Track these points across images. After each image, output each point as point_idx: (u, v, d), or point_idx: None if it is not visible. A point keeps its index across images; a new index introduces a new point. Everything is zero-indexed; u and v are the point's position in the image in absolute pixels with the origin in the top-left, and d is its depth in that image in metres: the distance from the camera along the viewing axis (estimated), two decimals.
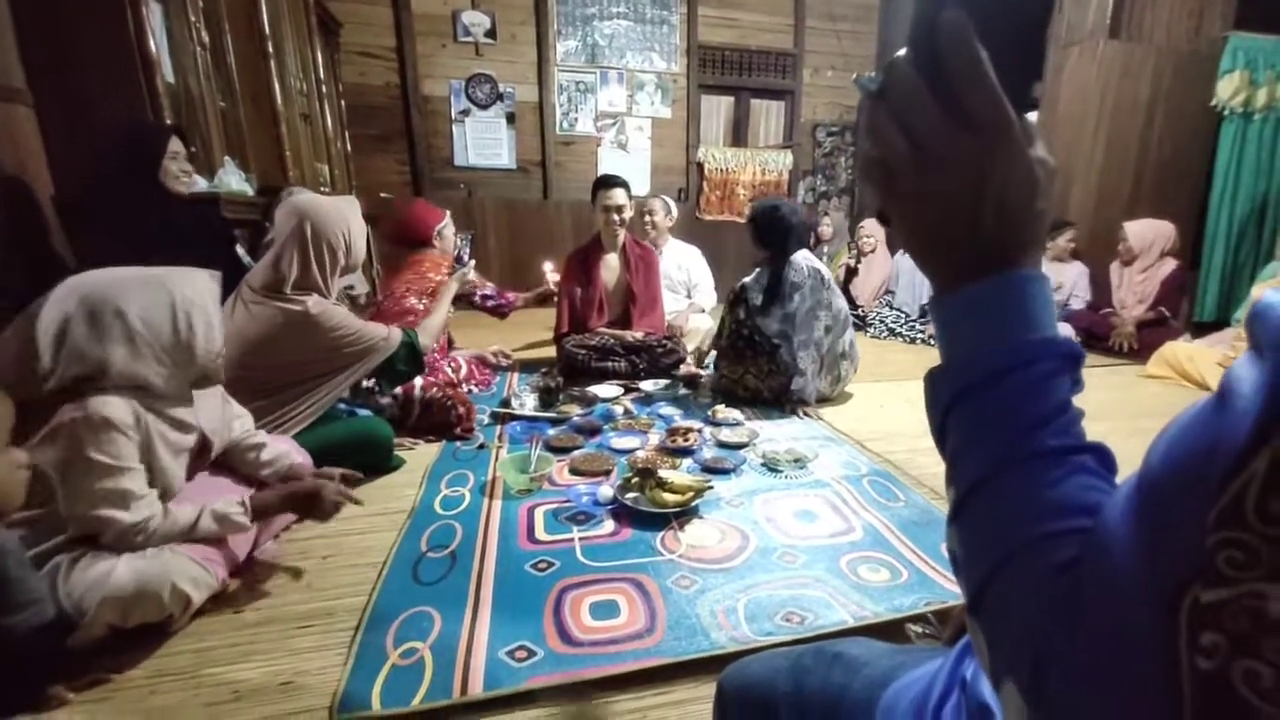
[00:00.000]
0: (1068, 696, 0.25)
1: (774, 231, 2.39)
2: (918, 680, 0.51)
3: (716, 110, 5.36)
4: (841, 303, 2.43)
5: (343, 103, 4.33)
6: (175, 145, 2.00)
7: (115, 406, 1.03)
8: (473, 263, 2.41)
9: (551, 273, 2.93)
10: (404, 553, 1.38)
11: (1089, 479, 0.31)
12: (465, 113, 4.77)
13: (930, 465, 1.85)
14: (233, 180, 2.44)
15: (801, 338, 2.31)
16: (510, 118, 4.85)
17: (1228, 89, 3.77)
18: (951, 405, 0.35)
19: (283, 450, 1.40)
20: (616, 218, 2.77)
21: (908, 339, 3.77)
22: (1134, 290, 3.27)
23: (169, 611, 1.06)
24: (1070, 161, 3.81)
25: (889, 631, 1.11)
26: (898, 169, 0.34)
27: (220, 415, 1.30)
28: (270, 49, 2.96)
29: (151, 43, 2.09)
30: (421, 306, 2.23)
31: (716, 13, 5.07)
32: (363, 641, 1.09)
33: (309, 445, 1.55)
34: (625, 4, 4.88)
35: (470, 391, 2.57)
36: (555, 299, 2.91)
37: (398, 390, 2.00)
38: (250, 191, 2.54)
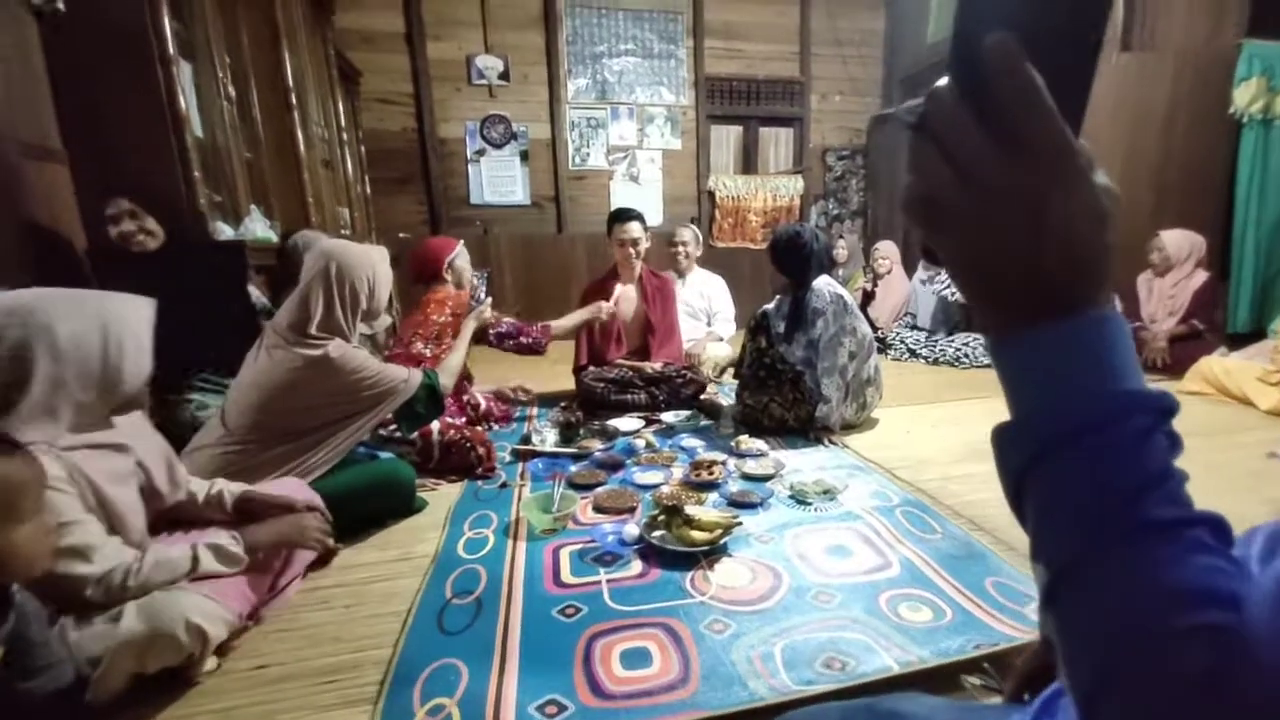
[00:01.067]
0: None
1: (795, 258, 2.38)
2: None
3: (726, 139, 5.42)
4: (865, 329, 2.40)
5: (363, 148, 4.46)
6: (114, 208, 1.98)
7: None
8: (489, 300, 2.39)
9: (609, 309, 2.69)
10: (429, 600, 1.35)
11: (1210, 559, 0.27)
12: (480, 153, 4.88)
13: (965, 493, 1.78)
14: (258, 228, 2.50)
15: (825, 364, 2.28)
16: (524, 155, 4.95)
17: (1245, 96, 3.72)
18: (1027, 468, 0.31)
19: (218, 484, 1.35)
20: (633, 250, 2.79)
21: (929, 359, 3.71)
22: (1164, 303, 3.19)
23: (188, 651, 1.04)
24: None
25: (939, 679, 1.05)
26: (944, 203, 0.31)
27: (163, 462, 1.24)
28: (294, 100, 3.06)
29: (181, 100, 2.16)
30: (429, 353, 2.17)
31: (723, 44, 5.17)
32: (388, 699, 1.05)
33: (329, 490, 1.54)
34: (633, 41, 5.00)
35: (490, 429, 2.57)
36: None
37: (414, 435, 1.99)
38: (274, 238, 2.60)
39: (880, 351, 3.80)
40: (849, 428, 2.42)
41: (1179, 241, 3.19)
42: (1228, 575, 0.26)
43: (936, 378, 3.35)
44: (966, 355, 3.58)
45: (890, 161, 5.30)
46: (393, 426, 1.91)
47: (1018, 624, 1.17)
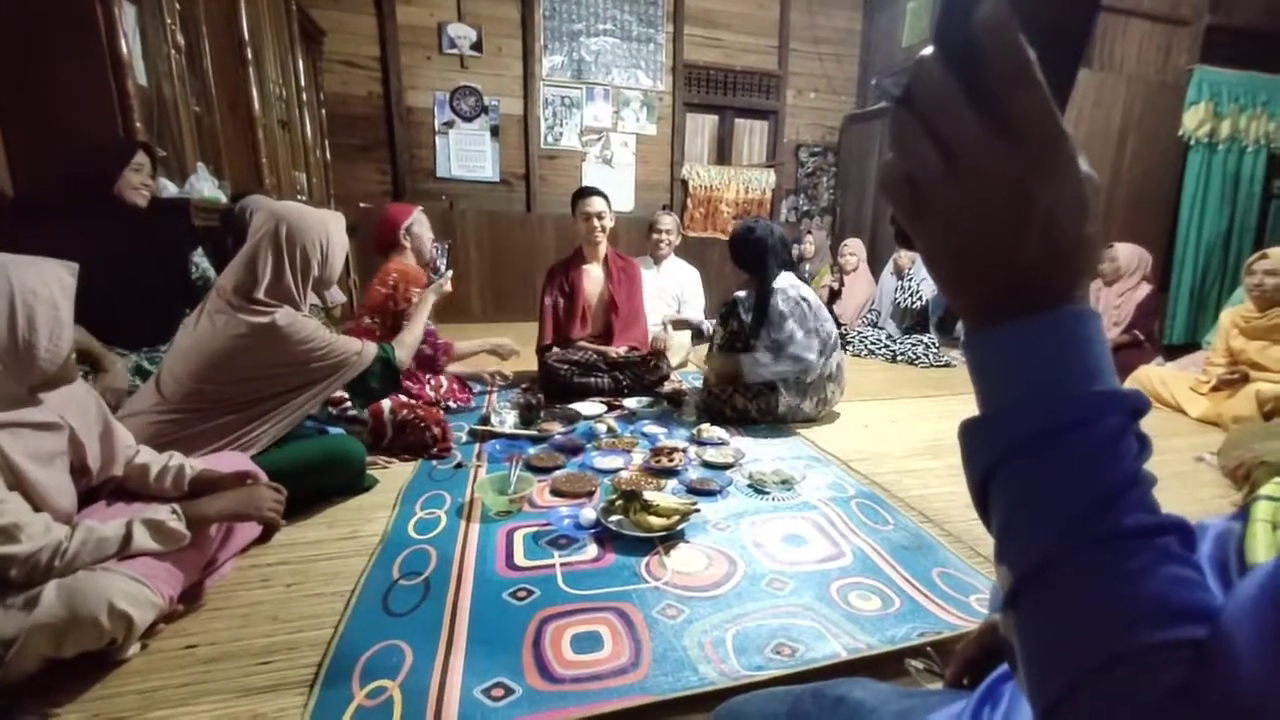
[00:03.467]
0: None
1: (752, 253, 2.37)
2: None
3: (701, 128, 5.39)
4: (831, 327, 2.42)
5: (324, 111, 4.26)
6: (140, 158, 1.94)
7: None
8: (449, 273, 2.28)
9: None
10: (374, 580, 1.30)
11: (1181, 569, 0.26)
12: (449, 124, 4.73)
13: (917, 487, 1.83)
14: (205, 187, 2.36)
15: (783, 351, 2.32)
16: (494, 130, 4.82)
17: (1193, 120, 3.91)
18: (995, 466, 0.30)
19: (176, 458, 1.27)
20: (597, 224, 2.75)
21: (886, 357, 3.79)
22: (1110, 313, 3.33)
23: (110, 636, 0.98)
24: None
25: (885, 665, 1.07)
26: (926, 184, 0.29)
27: (94, 430, 1.15)
28: (249, 55, 2.89)
29: (123, 44, 2.02)
30: (375, 325, 2.15)
31: (703, 32, 5.12)
32: (326, 680, 1.01)
33: (275, 464, 1.47)
34: (612, 21, 4.91)
35: (448, 408, 2.50)
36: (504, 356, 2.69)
37: (365, 414, 1.92)
38: (223, 199, 2.46)
39: (842, 348, 3.87)
40: (809, 421, 2.45)
41: (1130, 254, 3.33)
42: (1198, 587, 0.26)
43: (894, 375, 3.42)
44: (924, 355, 3.68)
45: (861, 162, 5.36)
46: (345, 404, 1.84)
47: (961, 613, 1.21)
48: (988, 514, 0.31)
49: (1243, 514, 0.45)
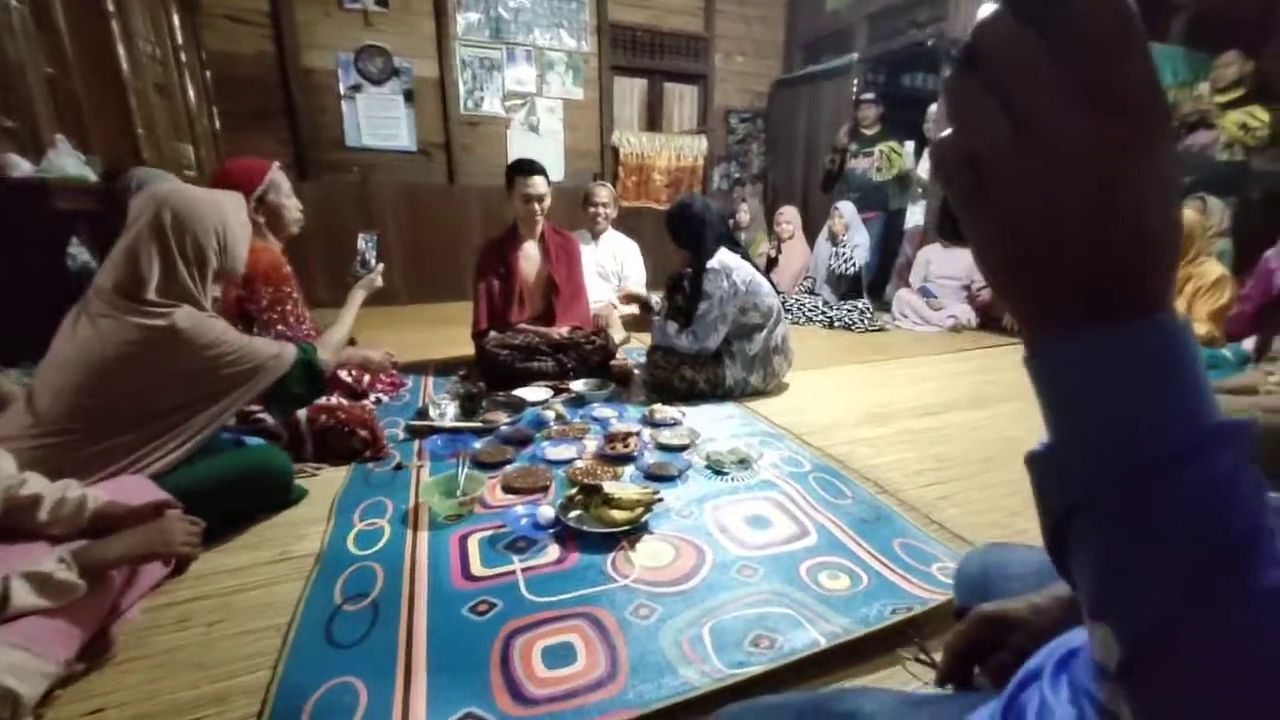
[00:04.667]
0: None
1: (686, 228, 2.33)
2: None
3: (630, 93, 5.22)
4: (772, 301, 2.40)
5: (207, 74, 3.79)
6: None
7: None
8: (380, 267, 2.06)
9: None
10: (314, 608, 1.18)
11: None
12: (356, 88, 4.33)
13: (869, 456, 1.86)
14: (68, 164, 2.03)
15: (696, 330, 2.31)
16: (408, 95, 4.46)
17: None
18: (1080, 507, 0.25)
19: (74, 491, 1.09)
20: (537, 207, 2.59)
21: (824, 323, 3.87)
22: None
23: None
24: None
25: (864, 648, 1.07)
26: (991, 162, 0.25)
27: None
28: (110, 6, 2.49)
29: None
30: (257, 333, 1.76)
31: None
32: None
33: (185, 485, 1.30)
34: None
35: (378, 401, 2.32)
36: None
37: (277, 425, 1.72)
38: (92, 176, 2.13)
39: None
40: (757, 394, 2.45)
41: None
42: None
43: (833, 341, 3.50)
44: (859, 320, 3.77)
45: (789, 127, 5.38)
46: (253, 412, 1.64)
47: (926, 584, 1.23)
48: (1064, 559, 0.27)
49: None
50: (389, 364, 2.08)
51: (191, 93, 3.44)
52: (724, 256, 2.32)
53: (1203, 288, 2.62)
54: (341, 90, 4.30)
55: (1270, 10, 4.58)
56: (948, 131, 0.27)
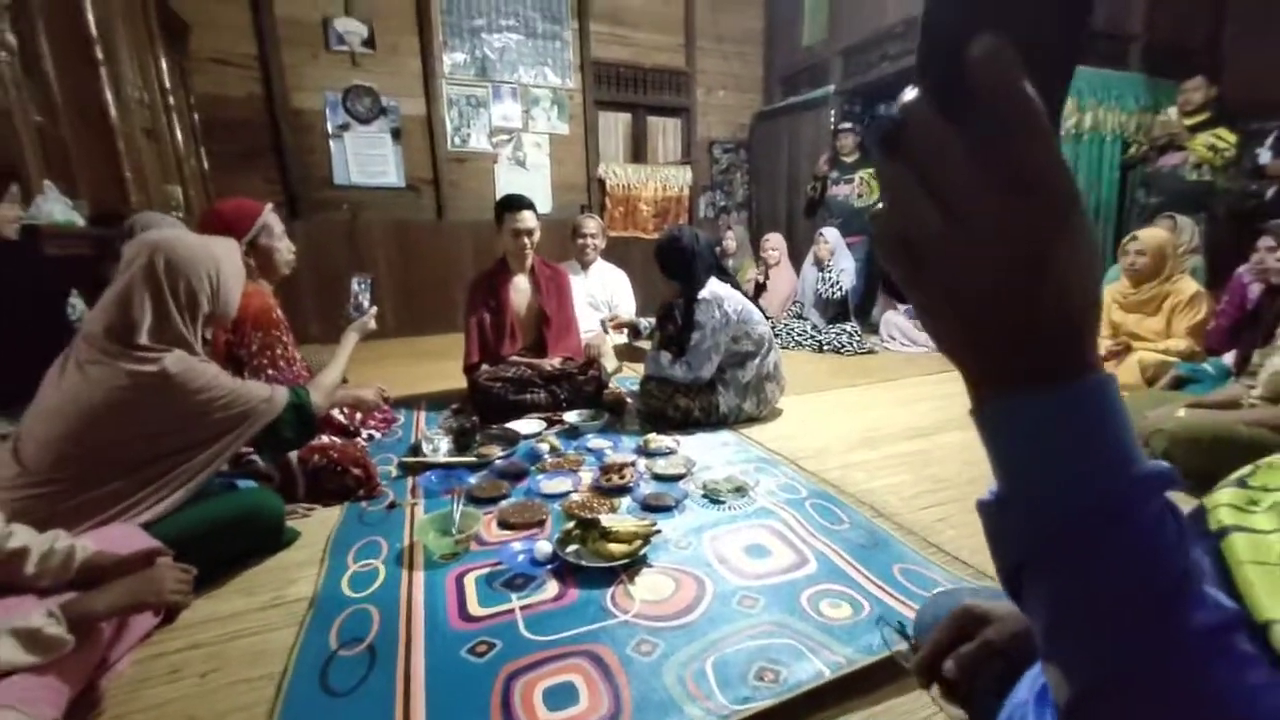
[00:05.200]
0: None
1: (678, 261, 2.37)
2: None
3: (615, 127, 5.33)
4: (764, 329, 2.43)
5: (196, 116, 3.83)
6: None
7: None
8: (373, 310, 2.04)
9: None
10: (309, 654, 1.15)
11: (1260, 672, 0.24)
12: (344, 127, 4.39)
13: (864, 480, 1.87)
14: (55, 210, 2.03)
15: (690, 360, 2.34)
16: (396, 133, 4.53)
17: (1063, 115, 4.28)
18: (1030, 558, 0.28)
19: (62, 542, 1.06)
20: (527, 241, 2.63)
21: (813, 348, 3.91)
22: None
23: None
24: None
25: (870, 677, 1.06)
26: (923, 242, 0.26)
27: None
28: (100, 54, 2.52)
29: None
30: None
31: (609, 29, 5.06)
32: None
33: (175, 530, 1.27)
34: (514, 17, 4.74)
35: (370, 438, 2.31)
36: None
37: (266, 466, 1.70)
38: (80, 221, 2.13)
39: None
40: (751, 420, 2.46)
41: None
42: (1276, 688, 0.24)
43: (823, 365, 3.53)
44: (848, 344, 3.82)
45: (771, 157, 5.51)
46: (245, 454, 1.62)
47: None
48: (1021, 598, 0.29)
49: (1203, 532, 0.40)
50: (381, 402, 2.07)
51: (180, 135, 3.47)
52: (715, 286, 2.36)
53: (1180, 304, 2.69)
54: (330, 129, 4.36)
55: (1215, 38, 4.83)
56: (884, 212, 0.28)
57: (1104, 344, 2.87)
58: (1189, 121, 3.54)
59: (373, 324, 2.03)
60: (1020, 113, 0.24)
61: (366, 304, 2.05)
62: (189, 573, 1.14)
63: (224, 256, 1.39)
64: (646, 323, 2.80)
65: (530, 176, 4.93)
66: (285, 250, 2.02)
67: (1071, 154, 4.35)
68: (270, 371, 1.84)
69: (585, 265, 3.40)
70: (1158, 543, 0.25)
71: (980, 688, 0.54)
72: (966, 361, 0.29)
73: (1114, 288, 2.97)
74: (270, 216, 1.98)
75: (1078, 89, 4.26)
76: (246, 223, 1.89)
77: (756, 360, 2.39)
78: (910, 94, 0.26)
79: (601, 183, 5.21)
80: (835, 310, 4.02)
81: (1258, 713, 0.24)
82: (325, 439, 1.94)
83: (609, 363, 2.91)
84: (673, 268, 2.38)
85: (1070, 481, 0.26)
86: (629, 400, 2.57)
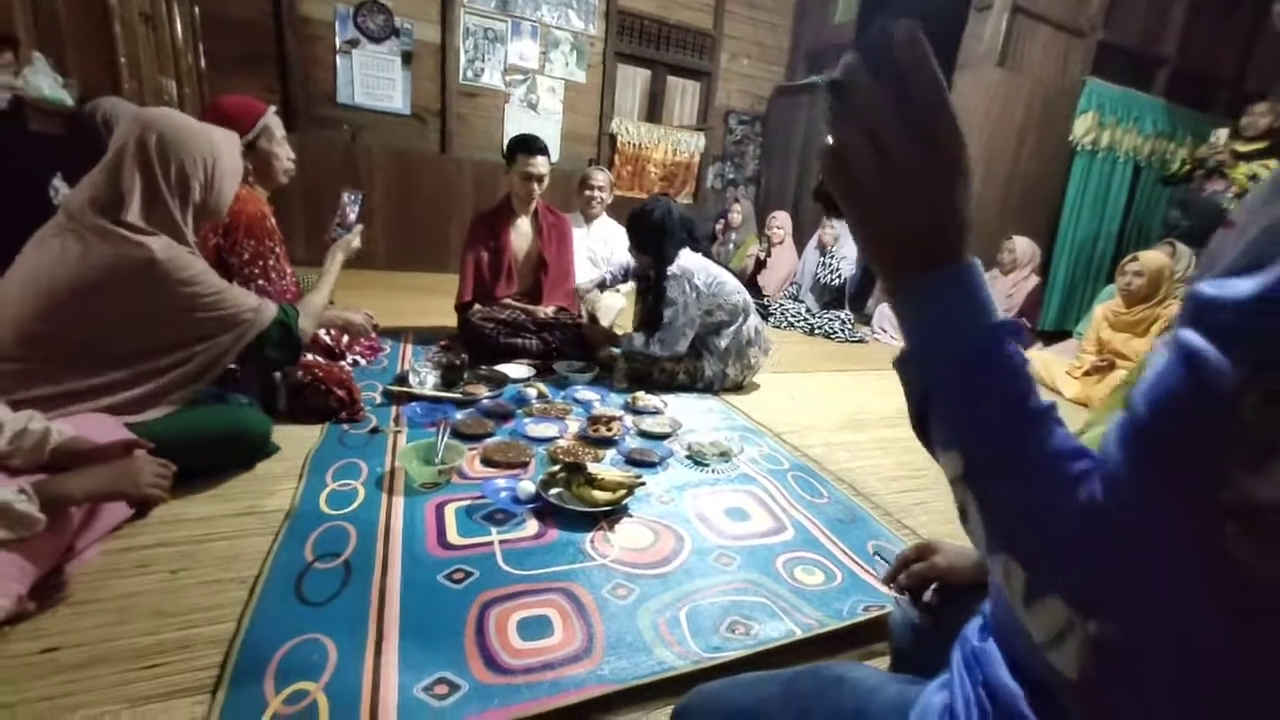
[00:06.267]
0: (1118, 592, 0.30)
1: (645, 234, 2.31)
2: (934, 701, 0.48)
3: (633, 82, 5.19)
4: (736, 297, 2.40)
5: (196, 9, 3.62)
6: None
7: None
8: (359, 227, 1.93)
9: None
10: (283, 563, 1.14)
11: (1063, 429, 0.36)
12: (353, 43, 4.20)
13: (845, 460, 1.89)
14: (44, 83, 1.92)
15: (664, 337, 2.33)
16: (406, 57, 4.34)
17: (1082, 127, 4.27)
18: (935, 389, 0.39)
19: (37, 423, 1.02)
20: (536, 187, 2.56)
21: (805, 330, 3.92)
22: (1003, 301, 3.62)
23: None
24: None
25: (837, 640, 1.09)
26: (862, 176, 0.37)
27: None
28: None
29: None
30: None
31: None
32: (232, 685, 0.87)
33: (158, 435, 1.24)
34: None
35: (355, 364, 2.27)
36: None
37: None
38: (69, 101, 2.02)
39: (764, 318, 3.95)
40: (737, 388, 2.47)
41: (1026, 247, 3.62)
42: (1074, 438, 0.35)
43: (813, 348, 3.55)
44: (840, 330, 3.84)
45: (787, 134, 5.42)
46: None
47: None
48: (926, 428, 0.40)
49: None
50: (369, 327, 2.01)
51: (179, 27, 3.28)
52: (685, 260, 2.32)
53: (1168, 328, 2.74)
54: (337, 44, 4.16)
55: (1241, 74, 4.81)
56: (830, 146, 0.38)
57: (1088, 359, 2.92)
58: (1243, 148, 3.40)
59: (357, 242, 1.92)
60: (931, 91, 0.34)
61: (353, 219, 1.93)
62: (168, 468, 1.12)
63: (223, 146, 1.32)
64: (609, 273, 2.73)
65: (541, 121, 4.79)
66: (285, 158, 1.93)
67: (1085, 168, 4.36)
68: (261, 282, 1.78)
69: (589, 219, 3.33)
70: (1017, 361, 0.37)
71: (935, 605, 0.77)
72: (885, 260, 0.39)
73: (1107, 305, 3.02)
74: (273, 119, 1.89)
75: (1100, 104, 4.24)
76: (249, 120, 1.80)
77: (732, 328, 2.38)
78: (850, 57, 0.35)
79: (613, 138, 5.09)
80: (831, 296, 4.02)
81: (1071, 448, 0.34)
82: (310, 357, 1.90)
83: (604, 318, 2.88)
84: (643, 242, 2.33)
85: (952, 330, 0.38)
86: (617, 358, 2.56)
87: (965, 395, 0.37)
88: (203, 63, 3.71)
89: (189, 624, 0.99)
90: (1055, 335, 4.26)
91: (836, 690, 0.58)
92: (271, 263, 1.81)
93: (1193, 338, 0.28)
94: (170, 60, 3.19)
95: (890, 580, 0.83)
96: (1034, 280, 3.64)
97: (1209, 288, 0.29)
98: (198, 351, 1.33)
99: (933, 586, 0.79)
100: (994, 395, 0.36)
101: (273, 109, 1.91)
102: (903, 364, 0.41)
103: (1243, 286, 0.27)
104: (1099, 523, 0.32)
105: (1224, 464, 0.26)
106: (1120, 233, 4.69)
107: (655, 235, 2.29)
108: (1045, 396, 0.37)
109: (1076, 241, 4.51)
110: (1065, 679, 0.33)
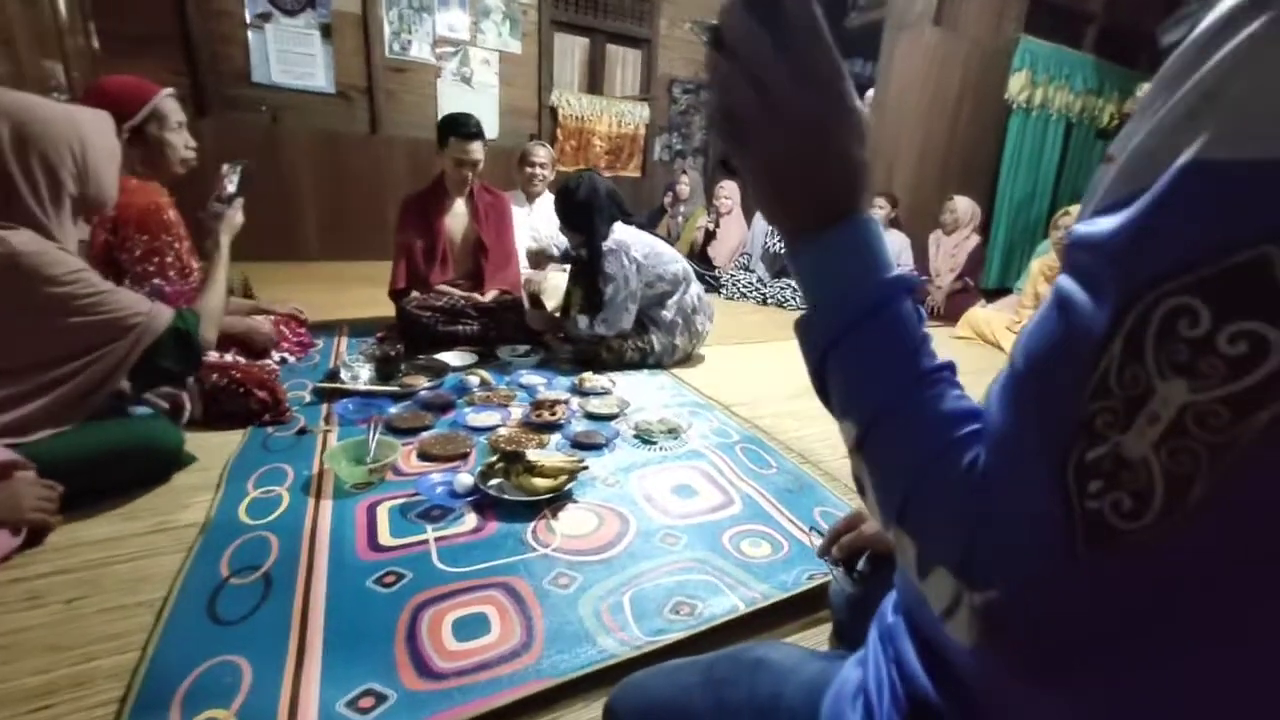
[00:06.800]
0: (995, 557, 0.28)
1: (576, 212, 2.24)
2: (850, 677, 0.48)
3: (571, 51, 5.02)
4: (675, 265, 2.37)
5: None
6: None
7: None
8: (240, 201, 1.71)
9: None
10: (195, 581, 1.06)
11: (956, 390, 0.35)
12: (265, 16, 3.92)
13: (796, 429, 1.89)
14: None
15: (607, 316, 2.27)
16: (326, 30, 4.08)
17: (1016, 85, 4.33)
18: (830, 347, 0.37)
19: None
20: (470, 173, 2.45)
21: (758, 300, 3.92)
22: (946, 260, 3.69)
23: None
24: (897, 142, 4.15)
25: (782, 612, 1.08)
26: (748, 121, 0.35)
27: None
28: None
29: None
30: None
31: None
32: (132, 718, 0.80)
33: (53, 454, 1.13)
34: None
35: (283, 361, 2.14)
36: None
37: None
38: None
39: (713, 290, 3.93)
40: (688, 360, 2.44)
41: (967, 207, 3.68)
42: (968, 399, 0.35)
43: (766, 317, 3.55)
44: (792, 299, 3.85)
45: None
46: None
47: None
48: (826, 389, 0.39)
49: None
50: (274, 340, 1.86)
51: (63, 4, 2.99)
52: (619, 234, 2.27)
53: None
54: (248, 18, 3.88)
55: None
56: (713, 94, 0.37)
57: (1027, 314, 3.00)
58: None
59: (240, 218, 1.71)
60: (809, 27, 0.34)
61: (232, 190, 1.71)
62: (54, 489, 1.02)
63: (90, 128, 1.18)
64: (556, 247, 2.65)
65: (476, 96, 4.60)
66: (181, 146, 1.77)
67: (1020, 126, 4.44)
68: (157, 281, 1.64)
69: (531, 197, 3.22)
70: (909, 317, 0.36)
71: (867, 573, 0.76)
72: (780, 217, 0.38)
73: (1043, 260, 3.10)
74: (166, 103, 1.73)
75: (1034, 62, 4.31)
76: (133, 105, 1.64)
77: (675, 298, 2.35)
78: (729, 2, 0.34)
79: (554, 111, 4.93)
80: (782, 264, 4.02)
81: (959, 410, 0.33)
82: (229, 357, 1.78)
83: (549, 300, 2.80)
84: (573, 220, 2.26)
85: (849, 286, 0.36)
86: (563, 340, 2.49)
87: (856, 354, 0.36)
88: (95, 43, 3.40)
89: (87, 657, 0.91)
90: (998, 292, 4.37)
91: (753, 675, 0.56)
92: (169, 259, 1.67)
93: (1064, 281, 0.27)
94: (54, 41, 2.90)
95: (824, 554, 0.82)
96: (975, 239, 3.71)
97: (1080, 226, 0.27)
98: (88, 363, 1.21)
99: (865, 554, 0.78)
100: (882, 353, 0.36)
101: (168, 92, 1.75)
102: (802, 326, 0.39)
103: (1106, 224, 0.25)
104: (979, 486, 0.30)
105: (1093, 419, 0.25)
106: (1054, 189, 4.82)
107: (584, 212, 2.22)
108: (944, 357, 0.35)
109: (1015, 200, 4.62)
110: (962, 651, 0.32)
